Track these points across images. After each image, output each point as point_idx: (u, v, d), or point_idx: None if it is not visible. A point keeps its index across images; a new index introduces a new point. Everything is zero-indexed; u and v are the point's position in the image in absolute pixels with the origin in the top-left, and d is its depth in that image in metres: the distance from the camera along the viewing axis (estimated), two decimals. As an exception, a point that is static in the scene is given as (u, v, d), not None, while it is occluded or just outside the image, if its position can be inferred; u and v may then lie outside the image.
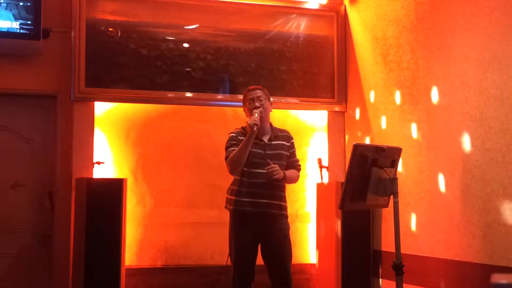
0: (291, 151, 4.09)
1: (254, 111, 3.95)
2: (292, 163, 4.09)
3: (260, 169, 3.93)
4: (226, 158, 3.98)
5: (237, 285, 3.96)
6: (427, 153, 4.45)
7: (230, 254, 4.01)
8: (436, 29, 4.42)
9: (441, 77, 4.35)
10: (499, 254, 3.76)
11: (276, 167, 3.90)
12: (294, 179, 4.12)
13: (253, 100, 4.01)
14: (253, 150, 3.94)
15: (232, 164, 3.93)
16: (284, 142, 4.05)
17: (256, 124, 3.83)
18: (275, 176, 3.88)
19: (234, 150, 3.94)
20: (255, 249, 3.99)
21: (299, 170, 4.15)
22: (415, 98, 4.61)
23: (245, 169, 3.94)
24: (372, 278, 4.98)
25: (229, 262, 4.01)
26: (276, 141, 4.05)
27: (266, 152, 3.97)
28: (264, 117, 4.00)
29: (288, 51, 5.50)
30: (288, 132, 4.17)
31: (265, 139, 4.02)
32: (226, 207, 4.05)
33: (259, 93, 4.05)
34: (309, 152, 5.56)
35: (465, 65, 4.11)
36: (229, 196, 4.04)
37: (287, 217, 4.07)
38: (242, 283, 3.96)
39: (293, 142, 4.13)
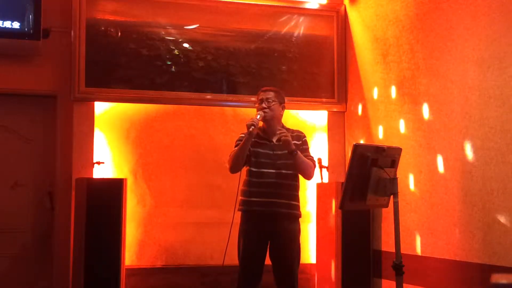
0: (301, 147, 4.04)
1: (257, 112, 3.97)
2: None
3: (268, 169, 3.94)
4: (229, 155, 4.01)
5: (242, 285, 3.95)
6: (427, 153, 4.45)
7: (238, 254, 4.01)
8: (436, 29, 4.42)
9: (441, 77, 4.35)
10: (499, 254, 3.76)
11: (286, 132, 3.92)
12: (307, 166, 3.99)
13: (262, 101, 4.02)
14: (261, 150, 3.97)
15: (230, 162, 3.97)
16: (294, 142, 4.02)
17: (253, 125, 3.84)
18: (284, 138, 3.86)
19: None
20: (262, 250, 3.97)
21: (313, 163, 4.09)
22: (415, 98, 4.61)
23: (254, 169, 3.95)
24: (372, 278, 4.98)
25: (225, 263, 4.01)
26: None
27: (274, 152, 3.97)
28: (270, 119, 4.00)
29: (288, 51, 5.50)
30: (300, 132, 4.15)
31: (274, 140, 4.02)
32: (238, 209, 4.05)
33: (269, 94, 4.04)
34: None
35: (465, 65, 4.11)
36: (240, 197, 4.04)
37: (298, 217, 4.03)
38: (247, 284, 3.95)
39: (305, 140, 4.10)
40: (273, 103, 4.02)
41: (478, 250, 3.93)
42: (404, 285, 3.40)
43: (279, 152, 3.97)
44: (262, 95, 4.05)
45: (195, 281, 5.13)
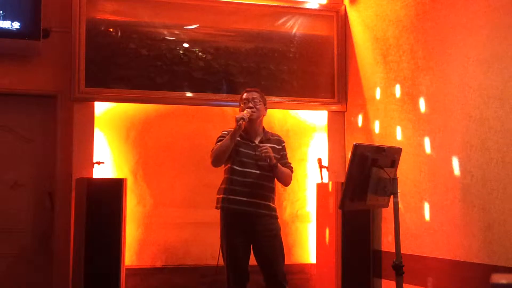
0: (281, 153, 4.11)
1: (246, 110, 3.99)
2: (283, 165, 4.09)
3: (249, 168, 3.96)
4: (212, 150, 4.02)
5: (232, 286, 3.96)
6: (427, 153, 4.45)
7: (222, 254, 4.02)
8: (436, 29, 4.42)
9: (441, 77, 4.35)
10: (499, 254, 3.77)
11: (268, 147, 3.92)
12: (286, 177, 4.09)
13: (247, 100, 4.05)
14: (242, 150, 3.99)
15: (213, 155, 3.98)
16: (274, 145, 4.06)
17: (242, 118, 3.87)
18: (266, 154, 3.88)
19: None
20: (246, 249, 3.99)
21: (291, 171, 4.16)
22: (415, 98, 4.61)
23: (235, 167, 3.97)
24: (372, 278, 4.98)
25: (220, 263, 4.01)
26: (267, 143, 4.07)
27: (256, 153, 3.98)
28: (255, 119, 4.03)
29: (288, 51, 5.50)
30: (279, 137, 4.21)
31: (256, 141, 4.05)
32: (216, 207, 4.06)
33: (255, 95, 4.09)
34: (309, 152, 5.56)
35: (465, 65, 4.11)
36: (218, 195, 4.06)
37: (276, 218, 4.07)
38: (236, 284, 3.96)
39: (284, 146, 4.16)
40: (259, 103, 4.05)
41: (478, 250, 3.93)
42: (404, 285, 3.40)
43: (260, 154, 3.98)
44: (248, 95, 4.08)
45: (195, 281, 5.13)
